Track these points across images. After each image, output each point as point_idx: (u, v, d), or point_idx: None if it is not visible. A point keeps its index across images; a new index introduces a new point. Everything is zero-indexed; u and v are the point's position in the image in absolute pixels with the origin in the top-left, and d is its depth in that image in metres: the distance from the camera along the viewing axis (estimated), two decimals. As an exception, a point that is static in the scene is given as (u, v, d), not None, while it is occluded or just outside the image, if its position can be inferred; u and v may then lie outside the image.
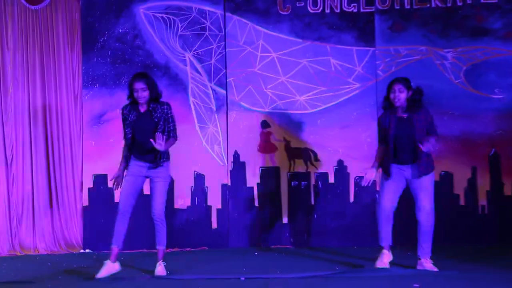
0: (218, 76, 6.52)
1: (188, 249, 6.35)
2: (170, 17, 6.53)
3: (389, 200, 4.90)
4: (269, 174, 6.47)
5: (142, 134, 4.76)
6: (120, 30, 6.52)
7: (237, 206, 6.49)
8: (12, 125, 6.50)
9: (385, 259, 4.92)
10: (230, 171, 6.49)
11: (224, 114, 6.51)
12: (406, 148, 4.83)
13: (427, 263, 4.84)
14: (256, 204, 6.48)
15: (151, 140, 4.63)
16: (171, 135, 4.82)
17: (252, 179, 6.48)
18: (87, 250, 6.39)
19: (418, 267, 4.85)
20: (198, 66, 6.53)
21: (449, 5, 6.34)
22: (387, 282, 4.43)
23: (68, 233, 6.51)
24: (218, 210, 6.47)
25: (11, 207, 6.46)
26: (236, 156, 6.49)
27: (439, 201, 6.00)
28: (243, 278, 4.67)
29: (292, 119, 6.48)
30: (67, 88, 6.58)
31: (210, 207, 6.48)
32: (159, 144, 4.62)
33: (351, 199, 6.40)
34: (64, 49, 6.57)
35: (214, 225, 6.47)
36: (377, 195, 6.07)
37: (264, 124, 6.50)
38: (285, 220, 6.46)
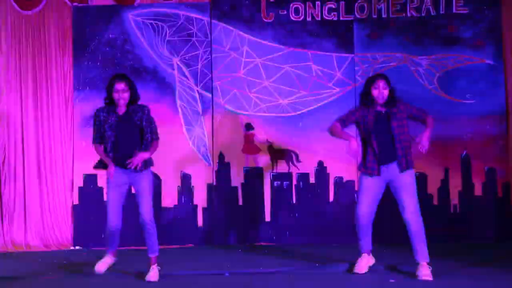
0: (205, 80, 6.58)
1: (174, 246, 6.37)
2: (159, 23, 6.58)
3: (368, 207, 4.59)
4: (252, 174, 6.54)
5: (124, 137, 4.57)
6: (110, 36, 6.56)
7: (222, 205, 6.56)
8: (4, 126, 6.55)
9: (364, 262, 4.69)
10: (216, 171, 6.54)
11: (210, 116, 6.56)
12: (387, 145, 4.52)
13: (424, 269, 4.44)
14: (240, 203, 6.53)
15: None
16: (153, 137, 4.62)
17: (237, 179, 6.52)
18: (77, 247, 6.43)
19: (418, 273, 4.46)
20: (185, 71, 6.59)
21: (423, 14, 6.45)
22: (364, 278, 4.54)
23: (59, 230, 6.53)
24: (203, 208, 6.52)
25: (4, 205, 6.51)
26: (221, 157, 6.55)
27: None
28: (227, 274, 4.77)
29: (275, 122, 6.54)
30: (59, 91, 6.60)
31: (196, 206, 6.53)
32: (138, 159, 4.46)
33: (331, 198, 6.47)
34: (55, 53, 6.60)
35: (200, 223, 6.51)
36: (355, 196, 6.15)
37: (248, 127, 6.56)
38: (268, 218, 6.51)
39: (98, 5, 6.64)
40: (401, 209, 4.55)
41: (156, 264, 4.68)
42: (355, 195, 6.24)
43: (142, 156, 4.51)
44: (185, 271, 4.96)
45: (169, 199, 6.55)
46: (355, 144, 4.48)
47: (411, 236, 4.51)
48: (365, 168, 4.60)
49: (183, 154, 6.56)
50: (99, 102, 6.49)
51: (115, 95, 4.57)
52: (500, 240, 6.29)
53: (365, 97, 4.62)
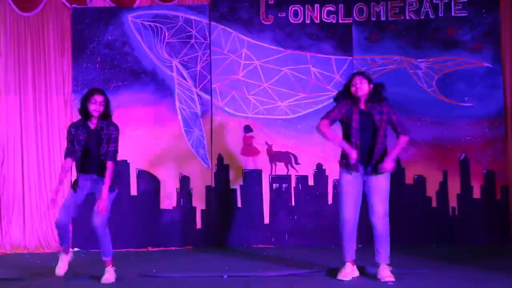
0: (203, 83, 6.60)
1: (173, 248, 6.41)
2: (158, 25, 6.59)
3: (352, 212, 4.53)
4: (251, 177, 6.56)
5: (91, 151, 4.69)
6: (109, 37, 6.56)
7: (220, 207, 6.57)
8: (3, 128, 6.55)
9: (348, 270, 4.59)
10: (214, 173, 6.55)
11: (209, 118, 6.57)
12: (366, 144, 4.48)
13: (384, 271, 4.51)
14: (239, 205, 6.55)
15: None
16: (107, 158, 4.66)
17: (235, 181, 6.59)
18: (76, 249, 6.35)
19: (379, 275, 4.53)
20: (184, 73, 6.60)
21: (422, 17, 6.48)
22: (363, 281, 4.55)
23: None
24: (202, 210, 6.54)
25: (2, 207, 6.51)
26: (220, 159, 6.56)
27: (413, 203, 6.33)
28: (225, 276, 4.77)
29: (273, 124, 6.55)
30: (57, 93, 6.60)
31: (194, 208, 6.54)
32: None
33: (329, 201, 6.47)
34: (54, 55, 6.60)
35: (199, 225, 6.52)
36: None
37: (247, 129, 6.58)
38: (266, 220, 6.53)
39: (97, 7, 6.65)
40: (370, 210, 4.55)
41: (111, 266, 4.78)
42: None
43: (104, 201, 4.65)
44: (183, 273, 4.97)
45: (168, 201, 6.56)
46: (355, 156, 4.44)
47: (376, 238, 4.56)
48: (346, 165, 4.54)
49: (182, 156, 6.57)
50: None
51: (91, 106, 4.64)
52: (499, 242, 6.28)
53: (341, 93, 4.62)
